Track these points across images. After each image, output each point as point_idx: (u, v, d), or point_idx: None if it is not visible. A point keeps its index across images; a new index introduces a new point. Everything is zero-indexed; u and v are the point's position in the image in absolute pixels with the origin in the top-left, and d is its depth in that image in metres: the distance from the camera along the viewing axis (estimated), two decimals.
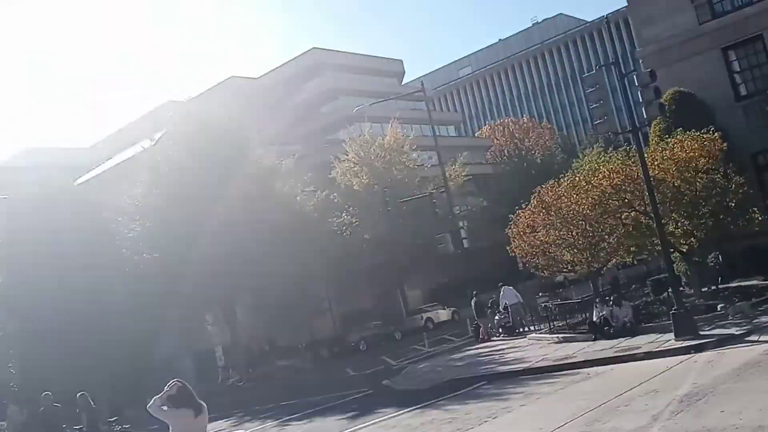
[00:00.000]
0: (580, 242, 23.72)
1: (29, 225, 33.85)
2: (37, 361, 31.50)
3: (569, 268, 26.19)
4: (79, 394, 17.44)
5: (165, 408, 7.15)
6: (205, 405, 7.28)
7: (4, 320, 35.93)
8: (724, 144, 21.57)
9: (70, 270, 31.86)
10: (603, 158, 26.06)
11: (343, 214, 41.85)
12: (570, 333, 22.51)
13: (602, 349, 18.50)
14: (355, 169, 45.16)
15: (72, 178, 45.44)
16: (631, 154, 22.75)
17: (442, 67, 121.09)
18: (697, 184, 20.96)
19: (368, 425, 15.51)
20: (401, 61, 71.57)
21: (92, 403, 17.48)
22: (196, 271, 31.74)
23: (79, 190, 41.08)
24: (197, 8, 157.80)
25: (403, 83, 71.54)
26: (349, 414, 17.76)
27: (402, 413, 15.99)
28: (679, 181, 20.87)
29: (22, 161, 60.18)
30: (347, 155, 45.72)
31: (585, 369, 16.79)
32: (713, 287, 22.98)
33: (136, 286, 32.88)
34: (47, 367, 30.27)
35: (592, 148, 63.40)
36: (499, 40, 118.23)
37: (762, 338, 15.70)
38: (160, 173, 34.23)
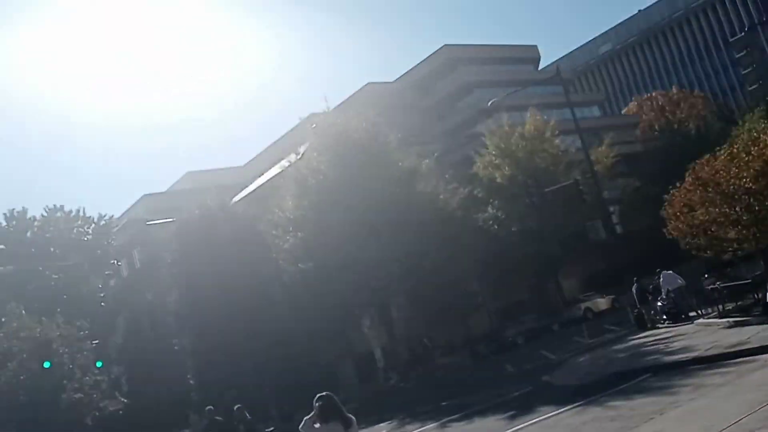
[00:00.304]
0: (745, 218, 21.91)
1: (195, 244, 36.27)
2: (210, 373, 33.62)
3: (735, 246, 24.30)
4: (236, 407, 18.34)
5: (316, 426, 7.28)
6: (354, 418, 7.35)
7: (180, 335, 38.70)
8: None
9: (233, 285, 33.72)
10: (764, 124, 24.02)
11: (489, 209, 41.46)
12: (742, 316, 20.88)
13: None
14: (497, 161, 44.54)
15: (229, 197, 48.14)
16: None
17: (581, 46, 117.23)
18: None
19: (528, 425, 15.19)
20: (536, 46, 70.01)
21: (248, 415, 18.23)
22: (349, 276, 32.66)
23: (236, 207, 43.37)
24: (330, 23, 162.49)
25: (539, 68, 69.89)
26: (509, 413, 17.49)
27: (562, 411, 15.53)
28: None
29: (186, 185, 64.76)
30: (487, 148, 45.19)
31: (762, 356, 15.46)
32: None
33: (294, 295, 34.28)
34: (220, 378, 32.24)
35: (753, 113, 58.76)
36: (639, 10, 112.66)
37: None
38: (306, 185, 35.52)
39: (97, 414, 38.82)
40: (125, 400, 41.87)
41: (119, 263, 60.19)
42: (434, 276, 34.72)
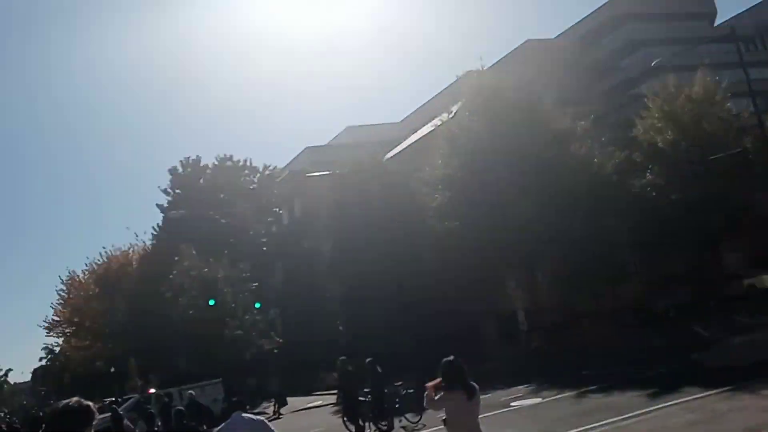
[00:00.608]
0: None
1: (348, 198, 37.69)
2: (358, 321, 35.15)
3: None
4: (367, 360, 18.94)
5: (437, 397, 6.93)
6: (477, 387, 7.01)
7: (332, 283, 40.61)
8: None
9: (382, 239, 34.83)
10: None
11: (647, 174, 39.60)
12: None
13: None
14: (659, 125, 42.06)
15: (384, 152, 49.25)
16: None
17: None
18: None
19: (668, 405, 14.78)
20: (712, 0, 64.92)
21: (378, 368, 18.71)
22: (496, 236, 32.68)
23: (388, 163, 44.33)
24: None
25: (715, 25, 64.99)
26: (650, 390, 17.08)
27: (708, 394, 14.97)
28: None
29: (345, 138, 66.90)
30: (650, 110, 42.88)
31: None
32: None
33: (441, 252, 34.82)
34: (366, 327, 33.64)
35: None
36: None
37: None
38: (457, 144, 35.64)
39: (254, 351, 41.91)
40: (280, 341, 44.71)
41: (281, 212, 63.60)
42: (584, 241, 33.98)
